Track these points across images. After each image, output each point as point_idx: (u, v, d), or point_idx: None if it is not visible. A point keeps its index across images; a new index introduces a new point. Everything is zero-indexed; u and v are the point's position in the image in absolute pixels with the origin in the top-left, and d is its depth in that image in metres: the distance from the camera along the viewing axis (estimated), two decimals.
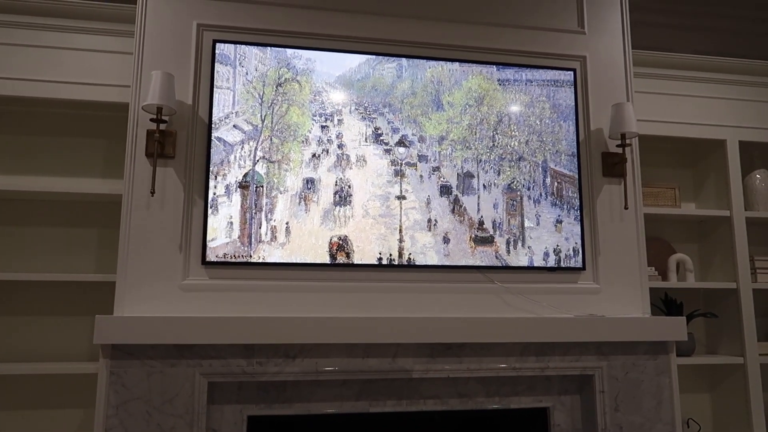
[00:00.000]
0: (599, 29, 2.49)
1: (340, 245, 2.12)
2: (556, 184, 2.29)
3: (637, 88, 2.78)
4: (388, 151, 2.20)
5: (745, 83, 2.94)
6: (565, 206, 2.29)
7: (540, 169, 2.29)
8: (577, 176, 2.32)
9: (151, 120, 2.00)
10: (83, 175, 2.62)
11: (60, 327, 2.51)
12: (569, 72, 2.38)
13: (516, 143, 2.29)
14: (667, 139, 2.91)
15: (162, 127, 2.04)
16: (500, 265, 2.21)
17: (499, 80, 2.32)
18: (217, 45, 2.15)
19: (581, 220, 2.30)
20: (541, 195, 2.28)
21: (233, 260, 2.04)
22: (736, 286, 2.79)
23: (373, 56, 2.25)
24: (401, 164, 2.21)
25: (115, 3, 2.41)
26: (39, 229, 2.55)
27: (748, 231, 2.91)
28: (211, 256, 2.03)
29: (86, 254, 2.57)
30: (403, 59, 2.27)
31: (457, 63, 2.31)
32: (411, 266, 2.15)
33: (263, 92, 2.15)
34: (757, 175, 2.98)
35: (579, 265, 2.27)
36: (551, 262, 2.25)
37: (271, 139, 2.13)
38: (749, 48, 3.23)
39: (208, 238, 2.04)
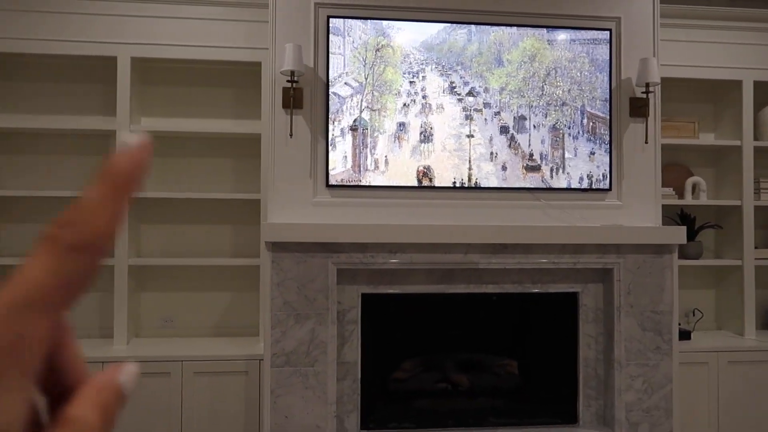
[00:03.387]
0: None
1: (425, 172, 2.85)
2: (591, 124, 2.94)
3: (665, 37, 3.31)
4: (460, 100, 2.88)
5: (760, 30, 3.42)
6: (597, 141, 2.94)
7: (579, 112, 2.93)
8: (608, 117, 2.95)
9: (287, 81, 2.72)
10: (218, 116, 3.39)
11: (206, 233, 3.37)
12: (606, 32, 2.95)
13: (560, 92, 2.92)
14: (691, 80, 3.46)
15: (294, 85, 2.76)
16: (545, 187, 2.91)
17: (548, 40, 2.92)
18: (331, 20, 2.81)
19: (610, 152, 2.95)
20: (579, 133, 2.93)
21: (348, 184, 2.81)
22: (741, 203, 3.42)
23: (449, 24, 2.88)
24: (470, 110, 2.88)
25: None
26: (187, 159, 3.37)
27: (757, 158, 3.49)
28: (332, 181, 2.80)
29: (224, 178, 3.39)
30: (472, 26, 2.89)
31: (515, 27, 2.91)
32: (477, 188, 2.88)
33: (366, 56, 2.82)
34: None
35: (606, 186, 2.95)
36: (585, 184, 2.93)
37: (372, 93, 2.83)
38: None
39: (330, 167, 2.80)
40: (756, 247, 3.58)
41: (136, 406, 2.82)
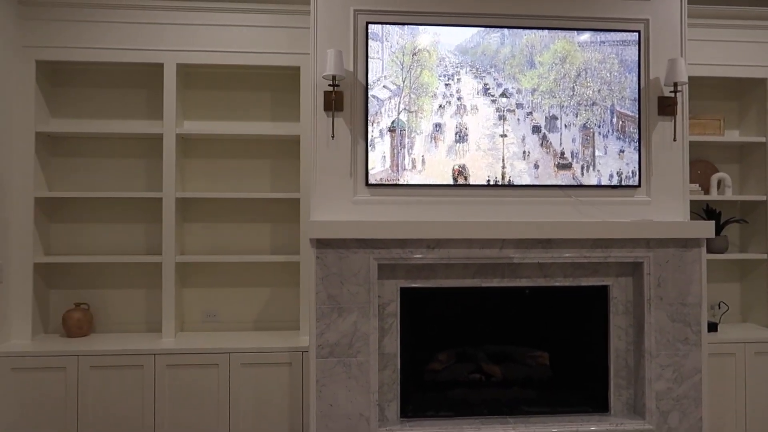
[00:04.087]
0: None
1: (460, 171, 2.97)
2: (620, 122, 3.03)
3: (691, 37, 3.39)
4: (494, 101, 2.99)
5: None
6: (627, 139, 3.03)
7: (608, 111, 3.03)
8: (637, 116, 3.04)
9: (329, 85, 2.84)
10: (257, 119, 3.52)
11: (246, 231, 3.51)
12: (635, 33, 3.05)
13: (590, 92, 3.02)
14: (717, 78, 3.54)
15: (335, 89, 2.89)
16: (576, 184, 3.02)
17: (578, 43, 3.02)
18: (369, 26, 2.93)
19: (639, 150, 3.05)
20: (608, 131, 3.03)
21: (387, 183, 2.93)
22: (766, 198, 3.49)
23: (483, 28, 2.99)
24: (503, 111, 2.99)
25: None
26: (227, 160, 3.50)
27: None
28: (371, 180, 2.92)
29: (262, 179, 3.53)
30: (505, 30, 3.00)
31: (546, 30, 3.01)
32: (511, 186, 2.99)
33: (403, 60, 2.94)
34: None
35: (636, 183, 3.04)
36: (614, 181, 3.03)
37: (409, 95, 2.95)
38: None
39: (369, 167, 2.92)
40: None
41: (187, 396, 2.97)
